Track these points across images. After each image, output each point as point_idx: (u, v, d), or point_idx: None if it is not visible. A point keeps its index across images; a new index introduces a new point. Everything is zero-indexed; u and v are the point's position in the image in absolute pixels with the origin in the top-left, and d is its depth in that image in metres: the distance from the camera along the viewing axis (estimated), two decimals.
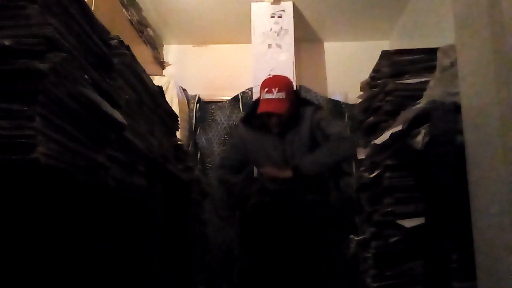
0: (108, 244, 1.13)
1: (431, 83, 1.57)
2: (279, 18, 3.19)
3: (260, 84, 2.19)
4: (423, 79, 1.71)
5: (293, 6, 3.17)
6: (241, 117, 2.33)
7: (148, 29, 3.24)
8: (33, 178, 0.78)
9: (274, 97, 2.06)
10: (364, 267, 1.78)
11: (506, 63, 1.00)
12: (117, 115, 1.01)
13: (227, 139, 3.22)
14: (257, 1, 3.19)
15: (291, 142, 2.12)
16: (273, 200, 2.11)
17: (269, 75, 2.93)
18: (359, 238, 1.90)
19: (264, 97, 2.09)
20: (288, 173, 2.06)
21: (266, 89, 2.10)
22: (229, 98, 3.33)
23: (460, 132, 1.23)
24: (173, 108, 1.90)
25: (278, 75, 2.52)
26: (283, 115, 2.07)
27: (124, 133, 1.08)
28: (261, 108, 2.08)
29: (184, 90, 3.23)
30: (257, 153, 2.21)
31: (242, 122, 2.29)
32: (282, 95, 2.06)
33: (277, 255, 2.03)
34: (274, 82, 2.15)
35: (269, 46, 3.18)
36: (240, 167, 2.30)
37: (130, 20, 2.86)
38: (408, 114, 1.47)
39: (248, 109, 2.48)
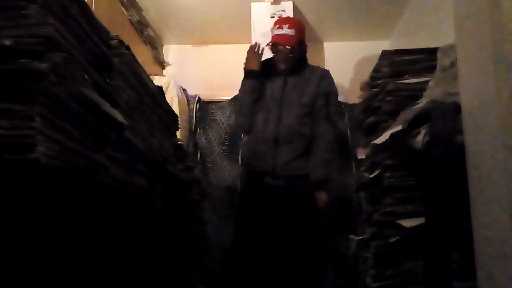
0: (108, 244, 1.13)
1: (431, 83, 1.57)
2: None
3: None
4: (423, 79, 1.71)
5: (293, 6, 3.16)
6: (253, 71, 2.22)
7: (148, 29, 3.24)
8: (33, 178, 0.78)
9: (283, 32, 2.12)
10: (364, 267, 1.78)
11: (506, 63, 1.00)
12: (117, 115, 1.01)
13: (227, 139, 3.22)
14: (257, 1, 3.18)
15: (293, 86, 2.13)
16: (270, 195, 2.08)
17: None
18: (359, 238, 1.90)
19: (274, 33, 2.16)
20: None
21: (277, 26, 2.17)
22: (229, 98, 3.33)
23: (460, 132, 1.23)
24: (173, 108, 1.90)
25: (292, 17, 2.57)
26: (291, 49, 2.10)
27: (124, 133, 1.08)
28: (272, 40, 2.15)
29: (184, 90, 3.23)
30: (263, 96, 2.18)
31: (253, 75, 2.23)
32: (292, 32, 2.11)
33: (276, 254, 2.02)
34: (285, 20, 2.23)
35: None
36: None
37: (130, 20, 2.85)
38: (408, 114, 1.47)
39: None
